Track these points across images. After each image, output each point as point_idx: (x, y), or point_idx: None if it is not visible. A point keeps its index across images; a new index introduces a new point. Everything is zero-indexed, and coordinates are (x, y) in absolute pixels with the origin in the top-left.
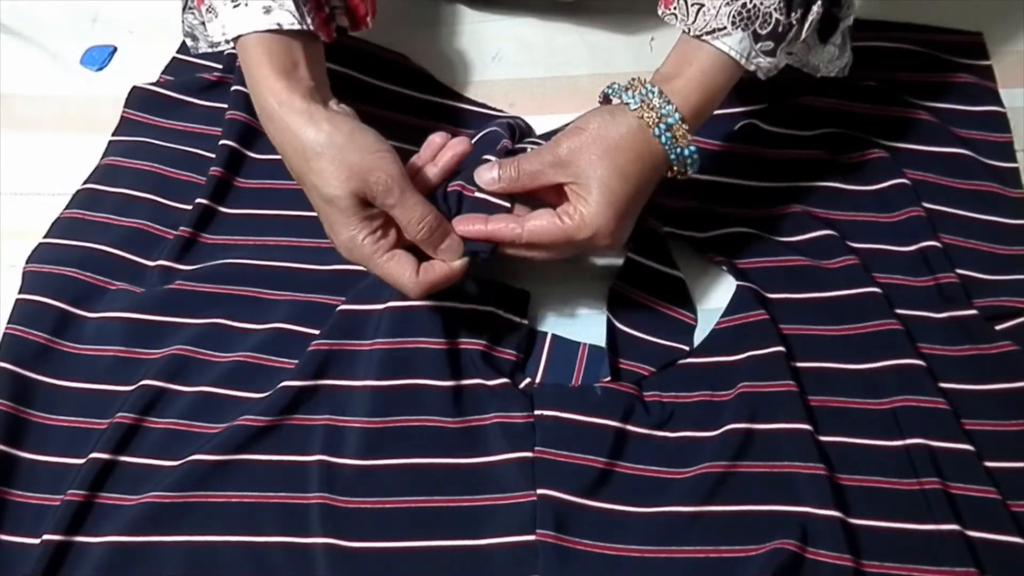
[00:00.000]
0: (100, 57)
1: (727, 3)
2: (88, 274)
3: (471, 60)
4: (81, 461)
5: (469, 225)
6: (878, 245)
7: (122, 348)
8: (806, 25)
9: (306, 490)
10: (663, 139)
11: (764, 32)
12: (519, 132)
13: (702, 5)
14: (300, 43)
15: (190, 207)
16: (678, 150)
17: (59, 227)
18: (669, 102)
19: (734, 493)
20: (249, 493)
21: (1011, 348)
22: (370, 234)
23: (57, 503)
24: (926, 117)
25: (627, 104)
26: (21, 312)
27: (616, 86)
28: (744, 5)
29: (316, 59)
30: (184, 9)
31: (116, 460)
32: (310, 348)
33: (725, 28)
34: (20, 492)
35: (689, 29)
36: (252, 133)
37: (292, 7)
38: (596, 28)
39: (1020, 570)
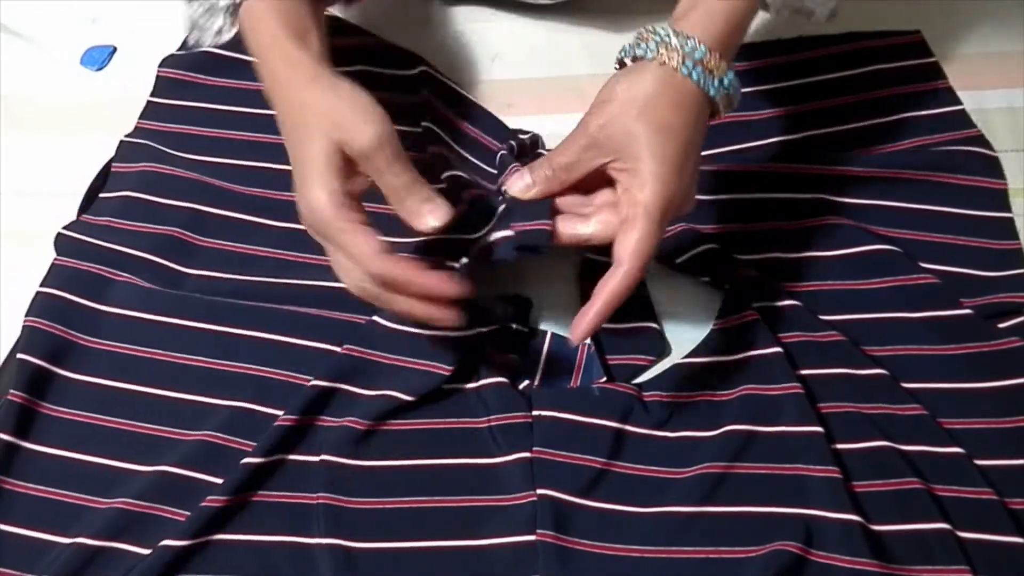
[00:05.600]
0: (100, 57)
1: None
2: (106, 268)
3: (471, 60)
4: (85, 458)
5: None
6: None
7: (139, 347)
8: None
9: (309, 490)
10: (695, 76)
11: None
12: (527, 148)
13: None
14: (310, 9)
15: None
16: (715, 82)
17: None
18: (689, 37)
19: (734, 494)
20: (253, 492)
21: (1018, 344)
22: (338, 195)
23: (58, 497)
24: (889, 120)
25: (644, 56)
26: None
27: (627, 46)
28: None
29: (323, 29)
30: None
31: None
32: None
33: None
34: (22, 483)
35: None
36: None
37: None
38: (596, 28)
39: (1019, 571)
